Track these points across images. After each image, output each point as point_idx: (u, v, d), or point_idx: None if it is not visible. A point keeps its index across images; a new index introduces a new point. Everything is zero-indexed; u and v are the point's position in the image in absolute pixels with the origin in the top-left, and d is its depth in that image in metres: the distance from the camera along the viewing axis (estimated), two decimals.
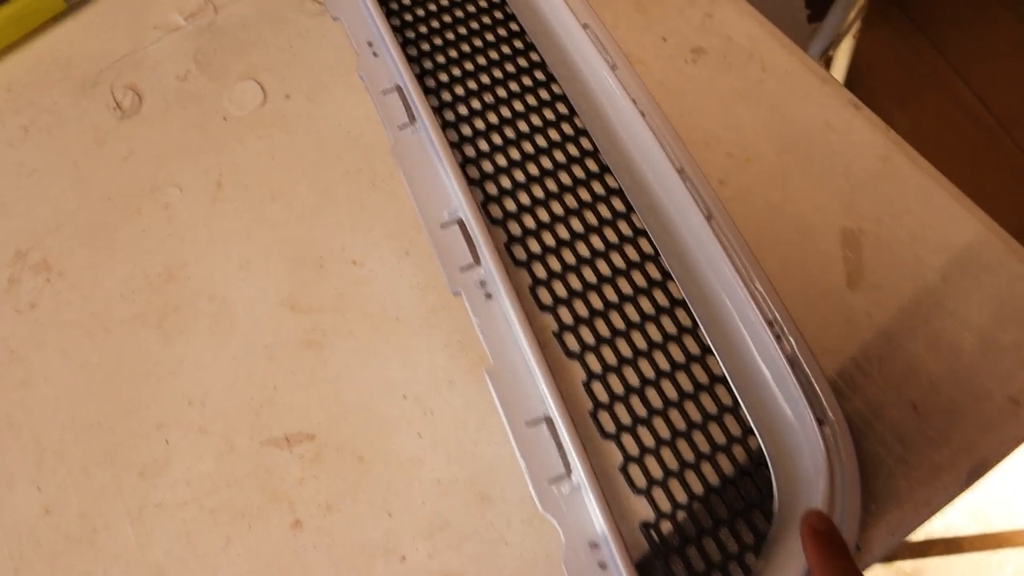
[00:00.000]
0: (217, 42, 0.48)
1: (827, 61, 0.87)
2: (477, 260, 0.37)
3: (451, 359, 0.38)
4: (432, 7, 0.46)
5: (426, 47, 0.44)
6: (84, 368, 0.40)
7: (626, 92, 0.39)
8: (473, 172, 0.40)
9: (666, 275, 0.39)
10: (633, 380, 0.37)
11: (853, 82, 0.90)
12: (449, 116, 0.42)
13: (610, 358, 0.37)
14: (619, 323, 0.38)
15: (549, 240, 0.40)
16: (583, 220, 0.40)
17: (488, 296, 0.36)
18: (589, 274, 0.39)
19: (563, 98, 0.43)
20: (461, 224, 0.37)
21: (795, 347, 0.35)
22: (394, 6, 0.45)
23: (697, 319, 0.37)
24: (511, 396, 0.34)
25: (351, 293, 0.40)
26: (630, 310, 0.38)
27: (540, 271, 0.39)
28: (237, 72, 0.47)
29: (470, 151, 0.41)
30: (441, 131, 0.39)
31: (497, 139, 0.42)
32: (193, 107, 0.46)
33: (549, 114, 0.42)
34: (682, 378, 0.37)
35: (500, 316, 0.36)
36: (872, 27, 0.88)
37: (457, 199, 0.37)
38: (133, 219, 0.43)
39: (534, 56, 0.44)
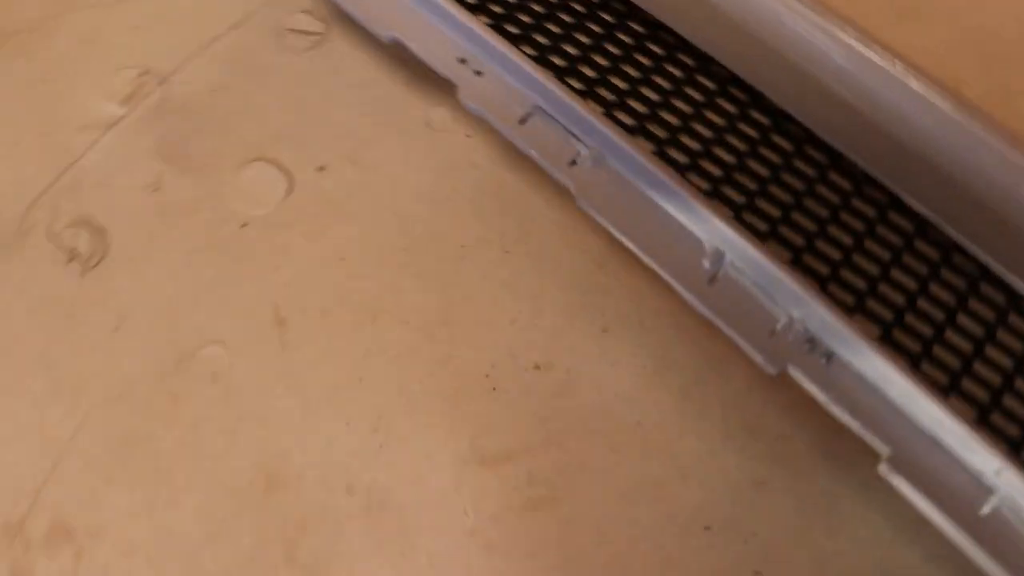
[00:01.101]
0: (184, 123, 0.33)
1: None
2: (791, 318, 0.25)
3: (741, 452, 0.27)
4: None
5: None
6: None
7: None
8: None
9: None
10: None
11: None
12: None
13: None
14: None
15: None
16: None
17: (826, 358, 0.24)
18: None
19: None
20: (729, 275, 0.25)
21: None
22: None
23: None
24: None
25: (553, 412, 0.28)
26: None
27: None
28: (233, 155, 0.32)
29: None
30: (644, 145, 0.26)
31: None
32: (187, 224, 0.31)
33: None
34: None
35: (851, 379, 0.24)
36: None
37: (719, 235, 0.25)
38: (170, 414, 0.28)
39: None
